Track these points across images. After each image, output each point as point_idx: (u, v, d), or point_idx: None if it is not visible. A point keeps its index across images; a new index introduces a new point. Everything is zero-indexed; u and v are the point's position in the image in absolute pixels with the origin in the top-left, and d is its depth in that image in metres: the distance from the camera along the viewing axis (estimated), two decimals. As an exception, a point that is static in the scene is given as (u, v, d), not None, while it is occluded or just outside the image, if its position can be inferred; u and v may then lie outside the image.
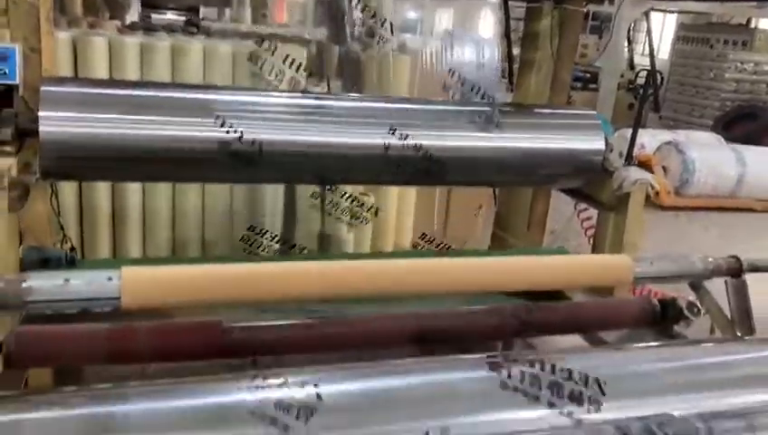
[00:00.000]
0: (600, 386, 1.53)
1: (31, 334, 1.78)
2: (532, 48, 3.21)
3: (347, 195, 3.45)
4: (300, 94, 2.50)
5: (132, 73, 3.23)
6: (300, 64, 3.72)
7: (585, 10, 3.18)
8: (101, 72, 3.14)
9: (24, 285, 1.49)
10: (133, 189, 3.10)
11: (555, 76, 3.12)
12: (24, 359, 1.74)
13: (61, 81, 2.30)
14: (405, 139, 2.42)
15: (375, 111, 2.48)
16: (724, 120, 9.43)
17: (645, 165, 3.41)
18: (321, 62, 4.79)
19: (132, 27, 5.19)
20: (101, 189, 3.09)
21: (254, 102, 2.29)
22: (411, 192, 3.73)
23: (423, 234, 3.74)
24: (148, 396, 1.40)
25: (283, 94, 2.50)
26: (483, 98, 4.55)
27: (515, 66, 3.51)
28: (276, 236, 3.44)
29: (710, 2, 9.41)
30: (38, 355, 1.77)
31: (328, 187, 3.44)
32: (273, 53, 3.25)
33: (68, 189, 2.97)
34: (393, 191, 3.61)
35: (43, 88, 2.05)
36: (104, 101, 2.10)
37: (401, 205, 3.71)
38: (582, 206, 3.28)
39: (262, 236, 3.38)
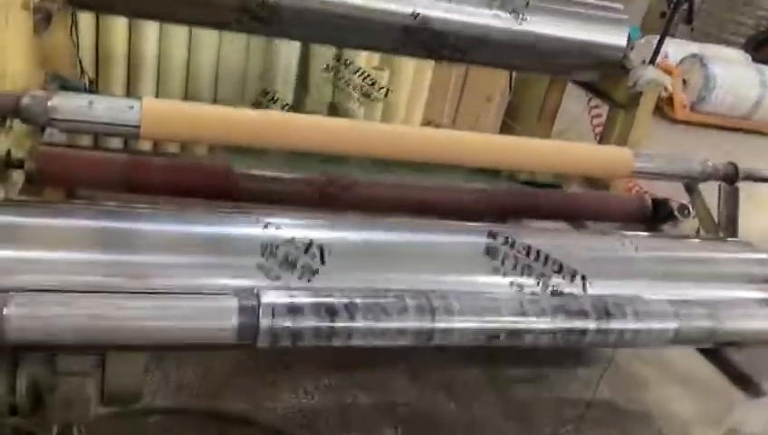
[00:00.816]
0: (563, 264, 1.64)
1: (53, 155, 1.87)
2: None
3: (360, 71, 3.44)
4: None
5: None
6: None
7: None
8: None
9: (50, 103, 1.55)
10: (149, 36, 3.08)
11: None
12: (45, 177, 1.85)
13: None
14: (427, 10, 2.41)
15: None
16: (757, 39, 9.14)
17: (666, 73, 3.38)
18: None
19: None
20: (119, 31, 3.07)
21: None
22: (426, 74, 3.71)
23: (431, 121, 3.77)
24: (161, 218, 1.51)
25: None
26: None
27: None
28: (287, 104, 3.46)
29: None
30: (58, 175, 1.88)
31: (342, 61, 3.43)
32: None
33: (85, 29, 2.95)
34: (408, 71, 3.59)
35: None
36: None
37: (414, 87, 3.70)
38: (594, 102, 3.29)
39: (274, 103, 3.41)
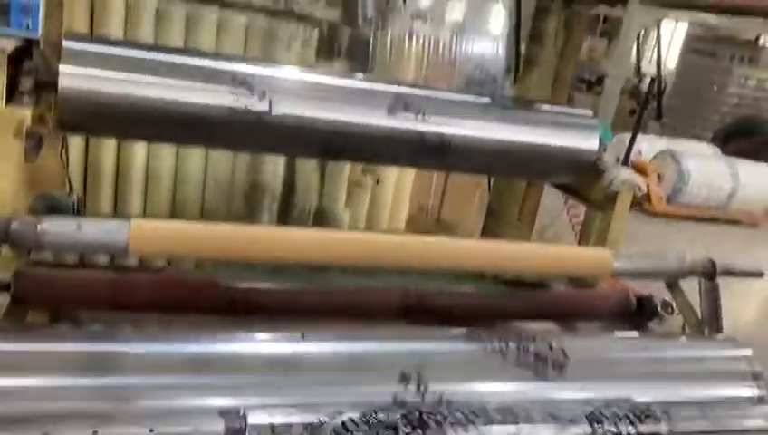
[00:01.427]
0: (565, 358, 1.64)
1: (38, 277, 1.88)
2: (537, 46, 3.31)
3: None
4: (313, 68, 2.58)
5: (146, 36, 3.30)
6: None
7: (597, 14, 3.27)
8: (115, 32, 3.21)
9: (38, 227, 1.58)
10: (138, 149, 3.18)
11: (557, 75, 3.22)
12: (30, 299, 1.84)
13: (81, 37, 2.39)
14: (405, 119, 2.52)
15: (378, 90, 2.57)
16: (724, 132, 9.55)
17: (641, 171, 3.52)
18: (331, 43, 4.87)
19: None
20: (107, 147, 3.17)
21: (268, 73, 2.38)
22: (409, 175, 3.84)
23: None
24: (144, 339, 1.51)
25: (297, 68, 2.58)
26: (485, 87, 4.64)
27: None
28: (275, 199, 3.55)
29: (720, 15, 9.47)
30: (44, 297, 1.87)
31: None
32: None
33: (74, 145, 3.04)
34: (391, 175, 3.71)
35: (65, 42, 2.13)
36: (123, 60, 2.18)
37: (397, 190, 3.82)
38: (572, 202, 3.38)
39: (260, 209, 3.49)
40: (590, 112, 2.92)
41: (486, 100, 2.73)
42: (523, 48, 3.65)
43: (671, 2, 3.72)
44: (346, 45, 4.84)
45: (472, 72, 5.72)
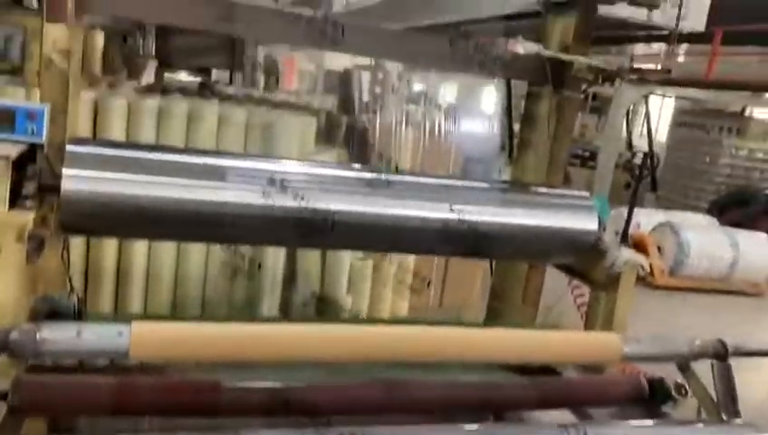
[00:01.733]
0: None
1: (37, 384, 1.83)
2: (530, 129, 3.36)
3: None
4: (322, 163, 2.61)
5: (148, 134, 3.38)
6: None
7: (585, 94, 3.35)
8: (119, 133, 3.28)
9: (38, 335, 1.56)
10: (139, 247, 3.20)
11: (552, 156, 3.25)
12: (29, 407, 1.79)
13: (84, 141, 2.43)
14: (402, 208, 2.54)
15: (378, 181, 2.59)
16: (719, 203, 9.64)
17: (640, 244, 3.52)
18: (329, 131, 4.99)
19: (149, 89, 5.42)
20: (108, 246, 3.19)
21: (267, 169, 2.41)
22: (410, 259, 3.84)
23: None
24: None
25: (299, 162, 2.62)
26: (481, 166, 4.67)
27: (516, 141, 3.65)
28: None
29: (706, 89, 9.76)
30: (42, 404, 1.82)
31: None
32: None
33: (75, 244, 3.06)
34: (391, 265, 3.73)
35: (68, 147, 2.17)
36: (125, 162, 2.21)
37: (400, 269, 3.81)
38: (576, 282, 3.36)
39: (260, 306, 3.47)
40: (587, 194, 2.94)
41: (485, 184, 2.76)
42: (516, 129, 3.73)
43: (659, 79, 3.81)
44: (344, 133, 4.96)
45: (467, 153, 5.84)
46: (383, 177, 2.58)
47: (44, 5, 2.35)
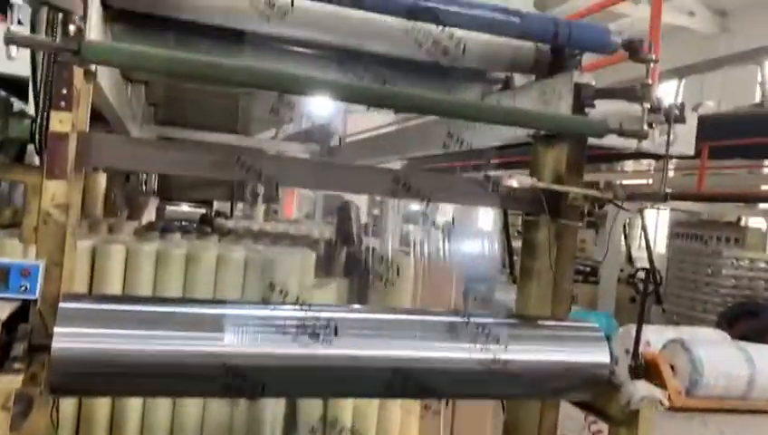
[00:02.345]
0: None
1: None
2: (531, 257, 3.34)
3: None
4: (306, 308, 2.55)
5: (147, 277, 3.35)
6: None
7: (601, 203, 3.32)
8: (117, 279, 3.25)
9: None
10: (133, 402, 3.06)
11: (556, 286, 3.20)
12: None
13: (78, 297, 2.38)
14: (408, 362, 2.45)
15: (371, 322, 2.53)
16: (728, 316, 9.46)
17: (652, 364, 3.42)
18: (328, 261, 4.97)
19: (150, 227, 5.46)
20: (100, 402, 3.05)
21: (261, 317, 2.35)
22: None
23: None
24: None
25: (291, 309, 2.56)
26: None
27: (515, 258, 3.62)
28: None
29: (700, 202, 9.90)
30: None
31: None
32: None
33: (66, 400, 2.93)
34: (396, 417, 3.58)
35: (61, 304, 2.12)
36: (120, 318, 2.16)
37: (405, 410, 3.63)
38: (592, 419, 3.20)
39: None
40: (595, 325, 2.87)
41: (491, 320, 2.69)
42: (515, 246, 3.71)
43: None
44: (344, 262, 4.94)
45: (469, 273, 5.79)
46: (389, 316, 2.51)
47: (44, 163, 2.39)
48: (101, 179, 6.12)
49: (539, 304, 3.20)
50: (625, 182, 11.82)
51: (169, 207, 10.43)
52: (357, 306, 3.67)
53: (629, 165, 11.87)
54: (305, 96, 3.54)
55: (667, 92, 12.50)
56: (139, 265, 3.33)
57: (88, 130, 2.59)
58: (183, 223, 7.59)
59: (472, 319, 2.63)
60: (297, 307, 2.46)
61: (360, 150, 8.01)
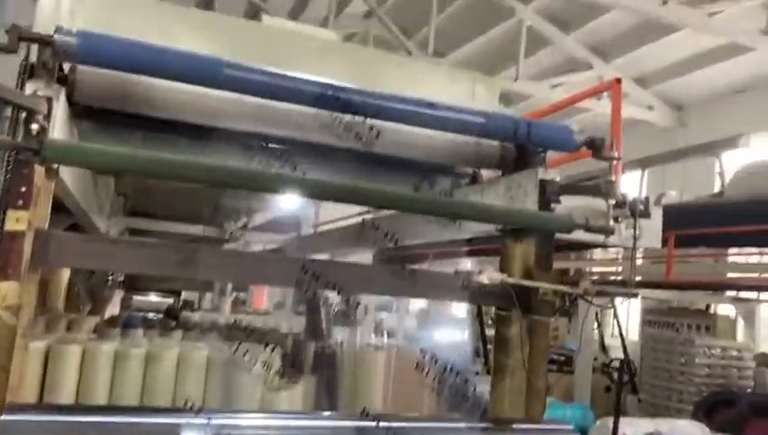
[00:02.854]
0: None
1: None
2: (504, 354, 3.26)
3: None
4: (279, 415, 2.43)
5: (104, 380, 3.19)
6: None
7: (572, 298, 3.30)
8: (72, 382, 3.09)
9: None
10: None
11: (530, 384, 3.12)
12: None
13: (23, 408, 2.23)
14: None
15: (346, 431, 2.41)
16: (704, 406, 9.35)
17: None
18: (297, 357, 4.83)
19: (111, 322, 5.29)
20: None
21: (222, 426, 2.22)
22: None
23: None
24: None
25: (254, 416, 2.43)
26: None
27: (489, 347, 3.54)
28: None
29: (669, 290, 9.98)
30: None
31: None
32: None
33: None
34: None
35: (2, 417, 1.98)
36: (66, 431, 2.02)
37: None
38: None
39: None
40: (570, 426, 2.77)
41: (463, 425, 2.58)
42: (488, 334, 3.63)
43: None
44: (312, 359, 4.80)
45: (442, 362, 5.65)
46: (349, 424, 2.40)
47: (-4, 263, 2.29)
48: (64, 273, 5.97)
49: (513, 403, 3.10)
50: (595, 269, 11.93)
51: (136, 298, 10.18)
52: (321, 414, 3.53)
53: (598, 253, 12.02)
54: (274, 193, 3.54)
55: (631, 183, 12.87)
56: (96, 366, 3.19)
57: (48, 226, 2.52)
58: (149, 315, 7.39)
59: (440, 425, 2.52)
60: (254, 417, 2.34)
61: (332, 240, 7.98)
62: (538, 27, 13.91)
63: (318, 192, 2.87)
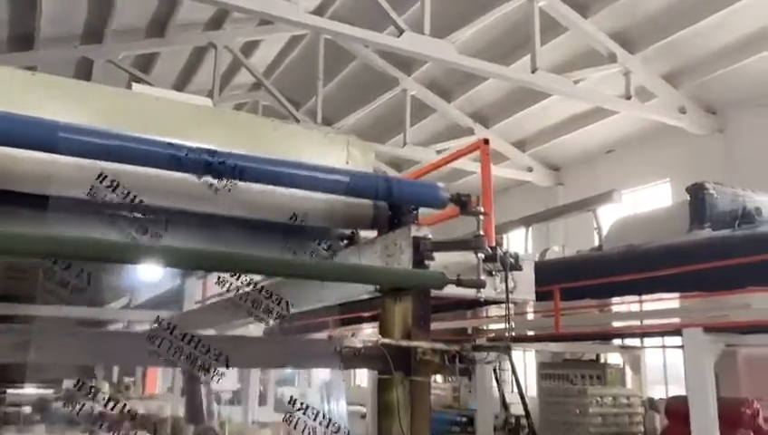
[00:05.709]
0: None
1: None
2: (386, 419, 3.16)
3: None
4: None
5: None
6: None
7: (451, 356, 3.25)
8: None
9: None
10: None
11: (413, 448, 3.02)
12: None
13: None
14: None
15: None
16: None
17: None
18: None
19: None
20: None
21: None
22: None
23: None
24: None
25: None
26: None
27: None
28: None
29: (559, 342, 10.26)
30: None
31: None
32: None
33: None
34: None
35: None
36: None
37: None
38: None
39: None
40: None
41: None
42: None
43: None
44: (193, 443, 4.48)
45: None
46: None
47: None
48: None
49: (398, 471, 2.98)
50: (492, 326, 12.10)
51: (10, 391, 9.24)
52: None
53: (494, 310, 12.24)
54: (137, 265, 3.33)
55: (517, 240, 13.34)
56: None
57: None
58: (17, 408, 6.73)
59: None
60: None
61: (219, 313, 7.65)
62: (421, 96, 14.46)
63: (187, 261, 2.73)
